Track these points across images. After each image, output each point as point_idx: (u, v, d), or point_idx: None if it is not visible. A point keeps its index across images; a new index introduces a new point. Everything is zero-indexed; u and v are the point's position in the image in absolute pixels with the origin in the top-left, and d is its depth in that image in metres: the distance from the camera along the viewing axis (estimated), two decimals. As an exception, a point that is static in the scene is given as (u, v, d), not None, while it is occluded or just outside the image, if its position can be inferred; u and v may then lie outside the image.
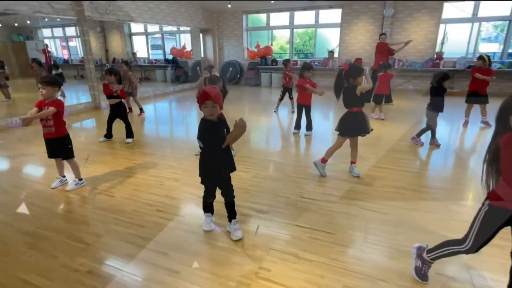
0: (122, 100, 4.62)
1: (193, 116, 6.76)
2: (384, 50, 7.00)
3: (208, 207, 2.37)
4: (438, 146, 4.20)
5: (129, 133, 4.72)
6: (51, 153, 3.05)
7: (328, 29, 10.44)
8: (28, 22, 13.26)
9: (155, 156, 4.07)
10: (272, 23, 11.09)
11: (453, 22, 8.81)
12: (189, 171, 3.55)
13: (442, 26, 8.81)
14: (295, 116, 5.08)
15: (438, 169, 3.68)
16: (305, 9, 10.16)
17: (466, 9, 8.60)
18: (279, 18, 10.98)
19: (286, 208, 2.68)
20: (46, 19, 12.51)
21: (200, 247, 2.18)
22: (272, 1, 8.71)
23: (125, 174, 3.49)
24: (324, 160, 3.33)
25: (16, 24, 13.67)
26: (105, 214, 2.63)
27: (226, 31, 11.39)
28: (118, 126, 4.68)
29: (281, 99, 6.44)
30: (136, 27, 13.90)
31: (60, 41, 15.59)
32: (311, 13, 10.28)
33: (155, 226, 2.44)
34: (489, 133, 4.92)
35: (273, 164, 3.78)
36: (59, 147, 3.03)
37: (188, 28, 11.75)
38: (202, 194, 2.30)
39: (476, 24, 8.73)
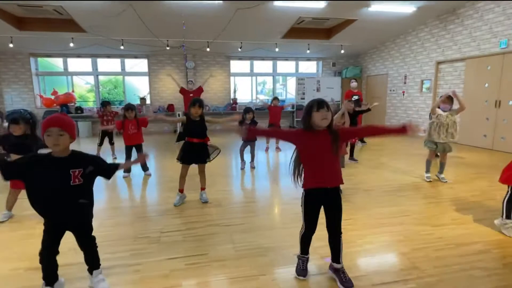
0: None
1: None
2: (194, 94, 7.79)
3: (51, 276, 1.77)
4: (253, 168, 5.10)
5: None
6: None
7: (135, 77, 10.46)
8: None
9: None
10: (70, 69, 9.91)
11: (239, 75, 11.04)
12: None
13: (232, 78, 10.84)
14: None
15: (262, 183, 4.44)
16: (108, 56, 9.80)
17: (246, 66, 11.03)
18: (79, 64, 10.00)
19: (151, 248, 2.46)
20: None
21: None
22: (72, 44, 7.90)
23: None
24: (180, 190, 3.36)
25: None
26: None
27: (7, 75, 9.13)
28: None
29: (100, 144, 5.83)
30: None
31: None
32: (116, 61, 10.04)
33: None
34: (281, 154, 6.47)
35: (116, 210, 3.35)
36: None
37: None
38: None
39: (254, 78, 11.34)
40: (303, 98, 10.45)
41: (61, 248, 1.79)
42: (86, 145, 8.03)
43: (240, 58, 10.60)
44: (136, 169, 4.76)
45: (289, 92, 11.65)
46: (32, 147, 2.80)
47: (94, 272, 1.85)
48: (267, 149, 6.62)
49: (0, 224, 2.94)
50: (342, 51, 9.60)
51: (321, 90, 10.40)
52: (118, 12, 6.23)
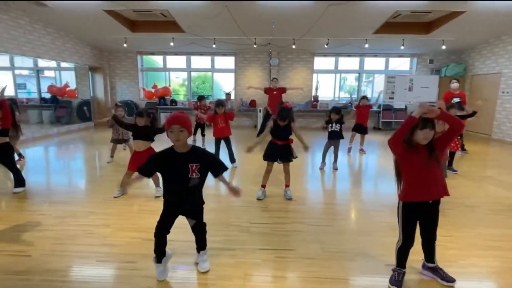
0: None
1: (91, 160, 5.97)
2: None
3: (161, 252, 2.04)
4: (336, 169, 5.00)
5: (19, 181, 3.81)
6: None
7: (222, 73, 11.21)
8: None
9: (68, 204, 3.41)
10: (168, 65, 11.16)
11: (322, 72, 10.87)
12: (119, 215, 3.12)
13: (315, 75, 10.74)
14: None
15: (343, 186, 4.36)
16: (201, 54, 10.70)
17: (330, 63, 10.79)
18: (175, 61, 11.18)
19: (241, 236, 2.69)
20: None
21: (171, 289, 1.96)
22: (172, 44, 8.88)
23: (33, 229, 2.79)
24: (263, 186, 3.56)
25: None
26: (28, 278, 2.05)
27: (119, 70, 10.78)
28: None
29: (194, 133, 6.56)
30: (-3, 61, 11.58)
31: None
32: (207, 58, 10.90)
33: (105, 279, 2.06)
34: (364, 157, 6.19)
35: (207, 196, 3.70)
36: None
37: (72, 65, 10.64)
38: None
39: (338, 75, 11.03)
40: (392, 98, 9.76)
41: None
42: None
43: (325, 55, 10.41)
44: (224, 161, 5.15)
45: (375, 91, 11.01)
46: (151, 135, 3.39)
47: (201, 252, 2.13)
48: (349, 150, 6.41)
49: (116, 199, 3.54)
50: (443, 47, 8.62)
51: (414, 89, 9.54)
52: (215, 14, 6.75)
